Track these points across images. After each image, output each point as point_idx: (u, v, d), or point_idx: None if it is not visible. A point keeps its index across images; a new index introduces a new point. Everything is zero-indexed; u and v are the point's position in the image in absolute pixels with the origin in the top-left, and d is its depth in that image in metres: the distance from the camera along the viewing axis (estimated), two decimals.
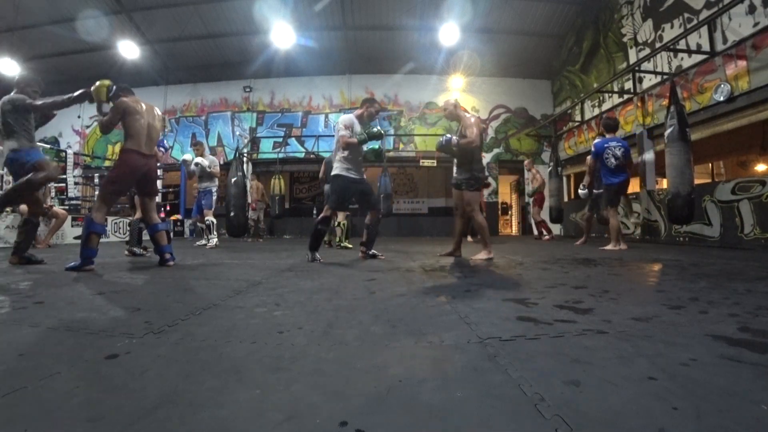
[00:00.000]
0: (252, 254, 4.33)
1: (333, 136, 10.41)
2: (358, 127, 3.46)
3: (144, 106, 3.10)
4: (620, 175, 4.65)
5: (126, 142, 2.99)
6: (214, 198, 5.73)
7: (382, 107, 10.77)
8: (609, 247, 4.55)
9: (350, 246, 5.24)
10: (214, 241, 5.40)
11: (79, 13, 9.02)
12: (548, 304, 1.52)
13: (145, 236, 3.66)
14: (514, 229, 11.78)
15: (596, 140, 5.05)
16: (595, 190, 5.41)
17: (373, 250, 3.71)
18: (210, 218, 5.50)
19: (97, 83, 2.87)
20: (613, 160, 4.63)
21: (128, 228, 4.34)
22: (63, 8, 8.99)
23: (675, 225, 5.57)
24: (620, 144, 4.69)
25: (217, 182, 5.85)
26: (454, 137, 3.46)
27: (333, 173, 3.50)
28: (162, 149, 4.66)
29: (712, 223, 5.22)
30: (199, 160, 5.59)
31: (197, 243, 6.21)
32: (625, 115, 7.59)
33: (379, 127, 3.60)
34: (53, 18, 9.22)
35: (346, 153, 3.46)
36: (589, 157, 5.26)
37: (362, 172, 3.63)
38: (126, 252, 4.11)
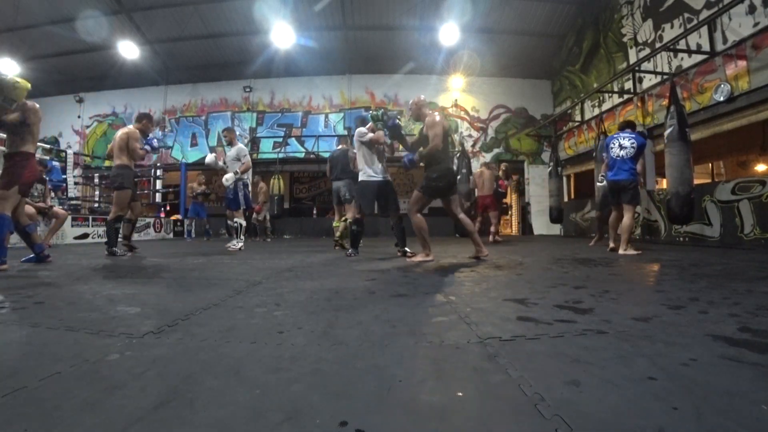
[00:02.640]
0: (252, 254, 4.32)
1: (332, 135, 10.60)
2: (369, 134, 3.83)
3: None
4: (620, 172, 4.09)
5: (27, 146, 2.98)
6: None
7: (383, 107, 10.86)
8: (620, 251, 3.97)
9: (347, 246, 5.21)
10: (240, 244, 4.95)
11: (79, 13, 9.03)
12: (548, 304, 1.52)
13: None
14: (514, 229, 11.78)
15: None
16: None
17: (406, 248, 3.93)
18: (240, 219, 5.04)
19: (19, 81, 2.79)
20: (618, 150, 4.10)
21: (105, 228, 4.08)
22: (63, 8, 9.00)
23: (675, 225, 5.57)
24: (631, 135, 4.13)
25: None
26: (415, 155, 3.47)
27: (359, 180, 3.89)
28: (147, 147, 4.36)
29: (712, 223, 5.23)
30: (229, 177, 4.81)
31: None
32: (625, 115, 7.59)
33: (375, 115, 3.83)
34: (53, 18, 9.22)
35: (365, 159, 3.83)
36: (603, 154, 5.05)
37: (384, 172, 3.91)
38: (106, 253, 3.98)
